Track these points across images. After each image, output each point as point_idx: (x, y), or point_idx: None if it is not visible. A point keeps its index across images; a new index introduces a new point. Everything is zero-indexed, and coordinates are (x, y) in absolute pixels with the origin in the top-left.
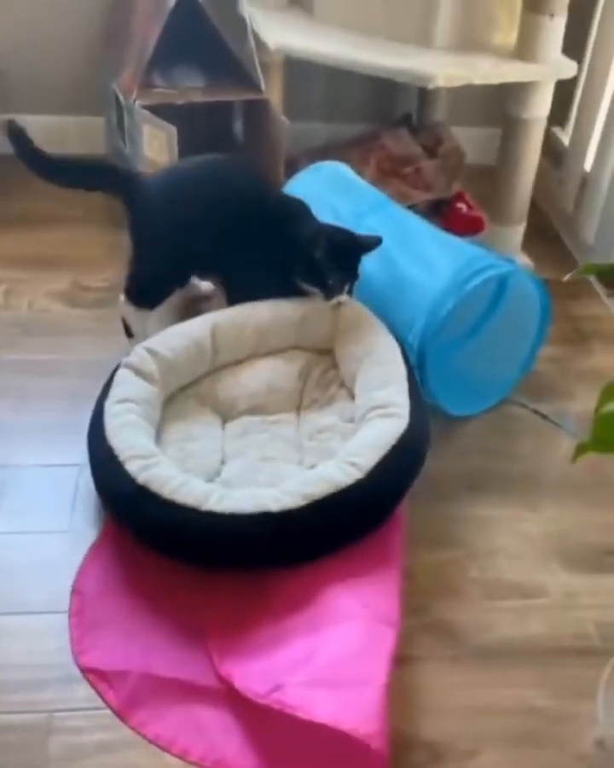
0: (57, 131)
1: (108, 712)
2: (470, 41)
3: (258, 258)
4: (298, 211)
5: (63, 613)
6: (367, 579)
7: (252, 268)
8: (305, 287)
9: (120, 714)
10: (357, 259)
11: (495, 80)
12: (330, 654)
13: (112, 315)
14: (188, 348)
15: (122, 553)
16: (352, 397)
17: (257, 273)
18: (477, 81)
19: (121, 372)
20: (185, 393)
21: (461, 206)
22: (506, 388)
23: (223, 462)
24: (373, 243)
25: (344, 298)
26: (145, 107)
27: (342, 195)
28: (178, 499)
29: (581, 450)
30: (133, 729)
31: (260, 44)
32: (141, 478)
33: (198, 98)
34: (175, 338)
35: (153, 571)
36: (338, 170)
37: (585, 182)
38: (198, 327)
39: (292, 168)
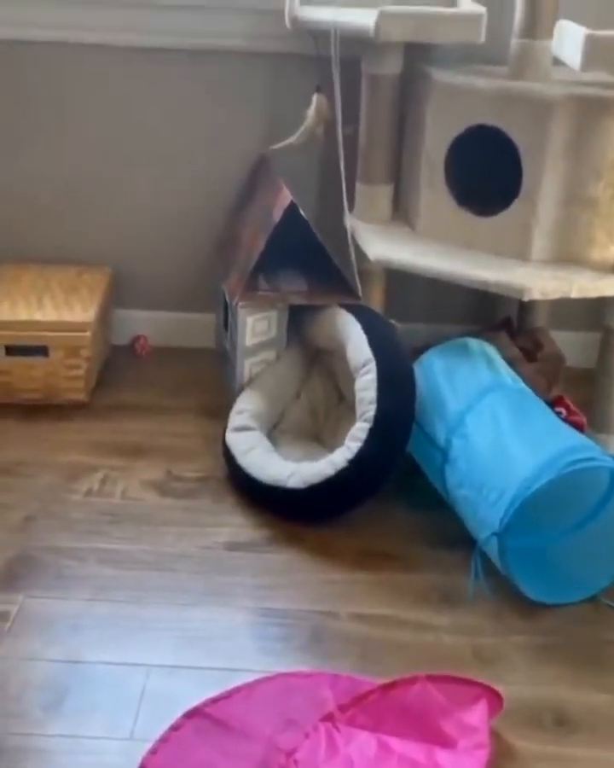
0: (169, 326)
1: None
2: (567, 256)
3: None
4: None
5: None
6: None
7: None
8: None
9: None
10: None
11: (592, 294)
12: None
13: (201, 506)
14: None
15: (195, 740)
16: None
17: None
18: (574, 295)
19: None
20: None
21: (561, 410)
22: (594, 589)
23: None
24: None
25: None
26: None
27: (486, 365)
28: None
29: None
30: None
31: (361, 254)
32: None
33: (298, 301)
34: None
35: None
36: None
37: None
38: None
39: None
